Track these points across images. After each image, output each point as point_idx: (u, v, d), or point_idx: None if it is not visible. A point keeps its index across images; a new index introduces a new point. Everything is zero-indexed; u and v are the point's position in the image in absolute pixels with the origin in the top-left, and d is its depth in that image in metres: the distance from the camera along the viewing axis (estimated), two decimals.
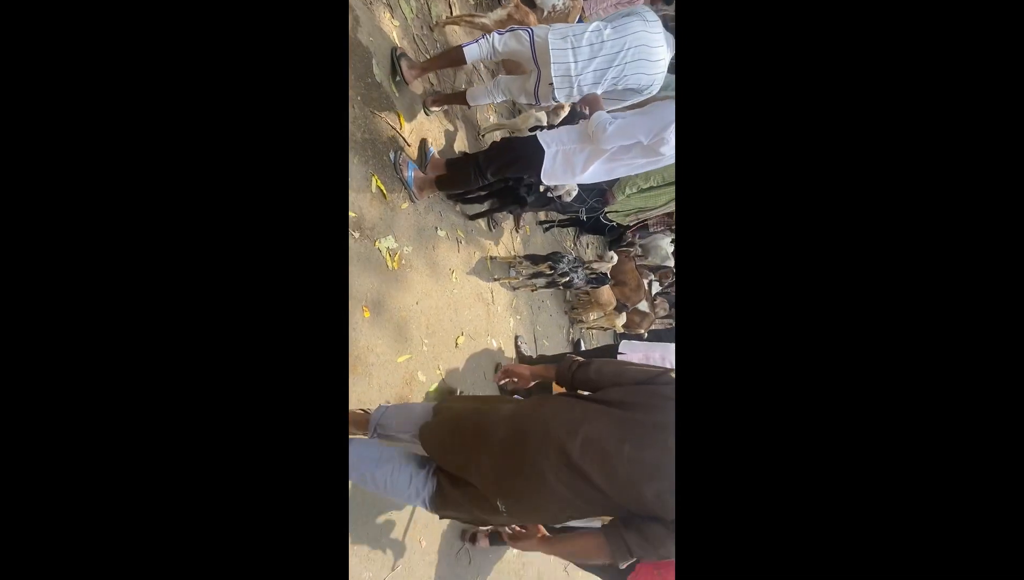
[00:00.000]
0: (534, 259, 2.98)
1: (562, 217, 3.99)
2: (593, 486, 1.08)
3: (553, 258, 2.93)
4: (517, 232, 3.49)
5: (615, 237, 3.76)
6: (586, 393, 1.24)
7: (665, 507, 1.03)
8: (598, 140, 1.94)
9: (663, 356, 2.57)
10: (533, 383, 1.41)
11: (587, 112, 2.04)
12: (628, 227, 3.69)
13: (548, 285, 3.28)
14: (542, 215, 3.92)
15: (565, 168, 2.04)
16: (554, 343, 3.80)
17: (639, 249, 5.47)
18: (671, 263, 5.33)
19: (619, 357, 2.66)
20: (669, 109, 1.87)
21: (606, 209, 3.09)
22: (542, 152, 2.04)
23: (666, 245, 5.47)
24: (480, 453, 1.19)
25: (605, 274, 3.53)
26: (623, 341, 2.75)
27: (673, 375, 1.16)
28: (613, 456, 1.06)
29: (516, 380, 1.40)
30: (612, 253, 4.03)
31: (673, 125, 1.83)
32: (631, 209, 3.09)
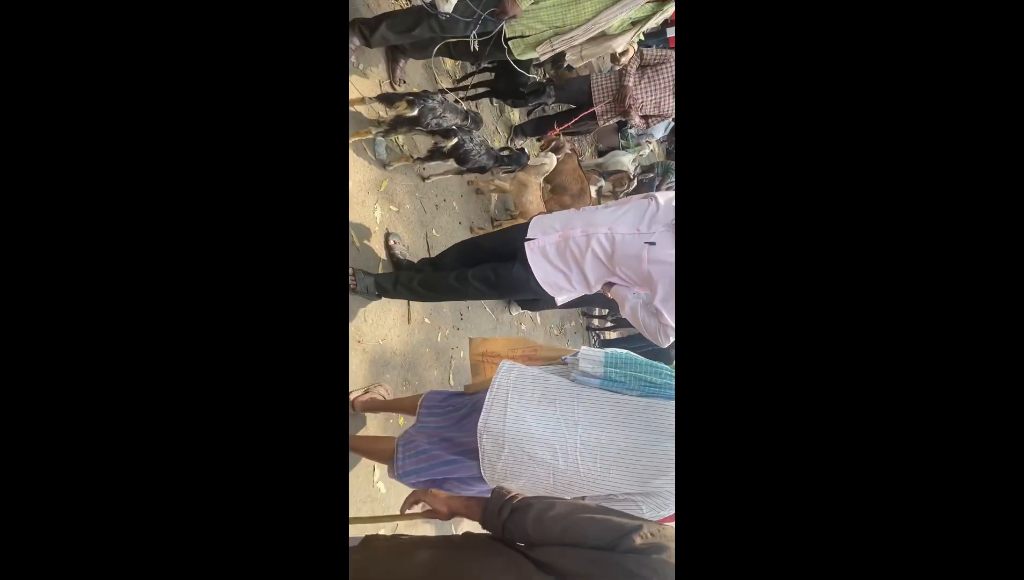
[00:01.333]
0: (388, 99, 1.97)
1: (469, 83, 2.95)
2: None
3: (418, 96, 1.92)
4: (395, 85, 2.47)
5: (535, 90, 2.71)
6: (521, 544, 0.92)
7: None
8: None
9: (586, 231, 1.66)
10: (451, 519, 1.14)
11: None
12: (548, 83, 2.67)
13: (431, 156, 2.28)
14: (441, 79, 2.89)
15: None
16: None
17: (596, 167, 4.54)
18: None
19: (528, 243, 1.74)
20: None
21: (507, 33, 2.08)
22: None
23: (627, 161, 4.57)
24: None
25: (522, 150, 2.54)
26: (535, 218, 1.81)
27: (648, 537, 0.81)
28: None
29: (430, 510, 1.17)
30: (551, 154, 3.05)
31: None
32: (543, 31, 2.09)
